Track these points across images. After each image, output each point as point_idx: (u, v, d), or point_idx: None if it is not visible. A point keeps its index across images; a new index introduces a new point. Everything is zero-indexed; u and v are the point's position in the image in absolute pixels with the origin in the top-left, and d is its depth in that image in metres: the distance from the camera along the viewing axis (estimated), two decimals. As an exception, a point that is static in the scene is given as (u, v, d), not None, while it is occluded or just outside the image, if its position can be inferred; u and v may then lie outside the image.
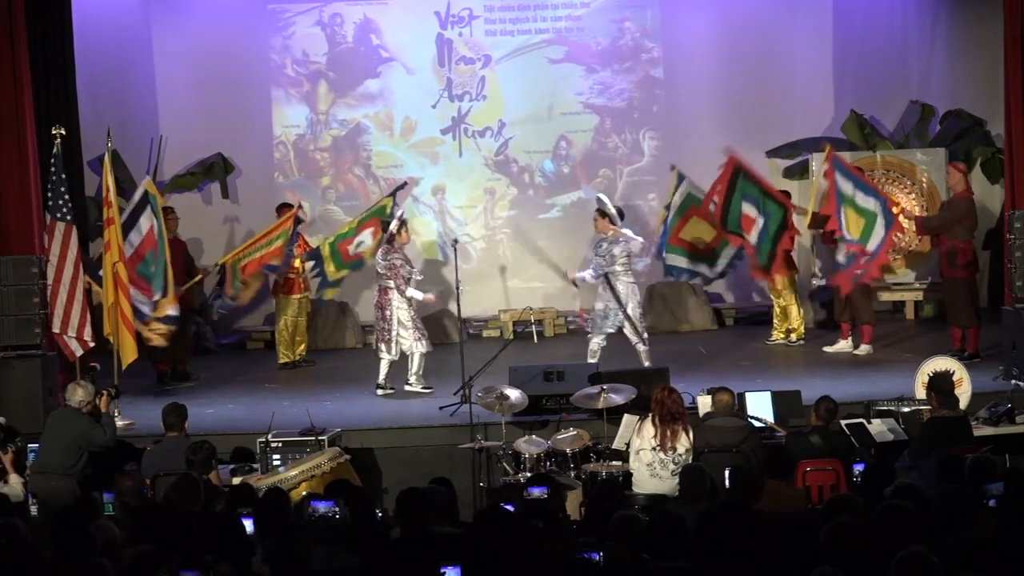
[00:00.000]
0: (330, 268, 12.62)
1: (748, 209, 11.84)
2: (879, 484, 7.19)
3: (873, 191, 11.93)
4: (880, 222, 11.62)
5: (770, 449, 8.43)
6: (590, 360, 11.44)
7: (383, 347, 11.72)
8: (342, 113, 15.74)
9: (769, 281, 13.05)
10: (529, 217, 15.76)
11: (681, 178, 12.66)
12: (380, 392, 11.74)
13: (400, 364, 11.82)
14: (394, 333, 11.66)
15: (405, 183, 13.63)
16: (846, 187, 11.70)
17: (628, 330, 11.58)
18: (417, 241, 14.90)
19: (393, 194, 12.89)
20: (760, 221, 11.78)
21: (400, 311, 11.67)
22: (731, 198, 11.95)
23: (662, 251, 12.49)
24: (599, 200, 11.97)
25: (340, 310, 14.99)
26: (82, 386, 9.33)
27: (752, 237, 11.81)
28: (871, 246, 11.56)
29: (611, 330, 11.63)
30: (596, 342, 11.66)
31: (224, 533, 6.33)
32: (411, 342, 11.68)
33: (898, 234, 12.70)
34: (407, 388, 11.72)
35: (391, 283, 11.67)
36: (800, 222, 12.76)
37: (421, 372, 11.76)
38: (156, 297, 11.18)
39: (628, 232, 11.79)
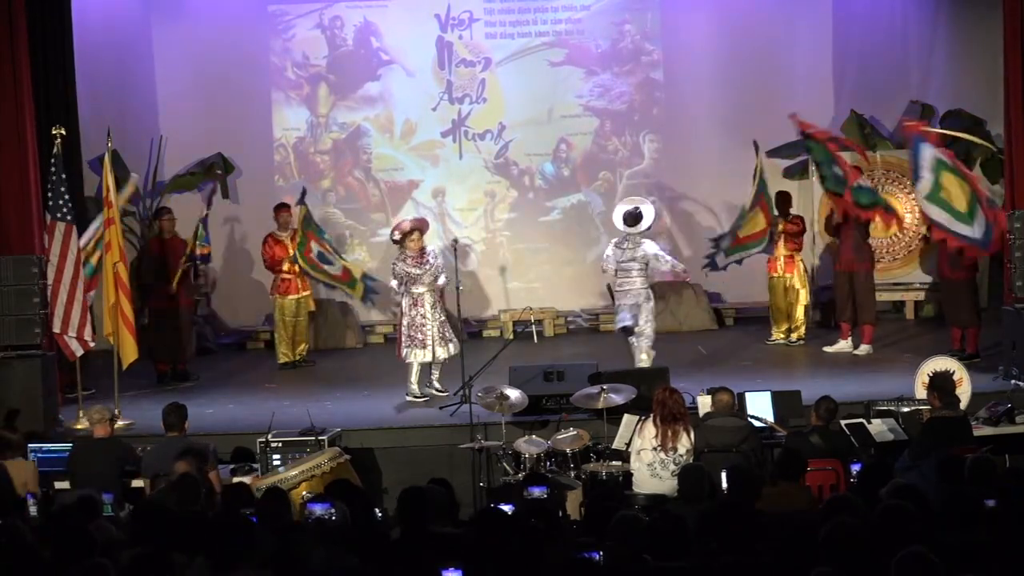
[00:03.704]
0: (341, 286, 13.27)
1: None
2: (877, 484, 7.19)
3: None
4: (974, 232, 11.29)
5: (783, 451, 8.41)
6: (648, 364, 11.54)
7: (417, 351, 11.50)
8: (342, 116, 15.73)
9: (787, 270, 13.30)
10: (529, 219, 15.76)
11: (756, 148, 12.99)
12: (410, 398, 11.49)
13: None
14: (430, 334, 11.52)
15: (304, 190, 13.71)
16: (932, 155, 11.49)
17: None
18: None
19: (301, 201, 13.24)
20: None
21: (431, 313, 11.56)
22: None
23: (722, 250, 12.91)
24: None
25: (340, 310, 15.00)
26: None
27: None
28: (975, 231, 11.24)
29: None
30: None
31: (223, 533, 6.32)
32: (444, 346, 11.59)
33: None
34: (433, 392, 11.61)
35: (422, 288, 11.56)
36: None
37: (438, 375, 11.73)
38: None
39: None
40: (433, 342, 11.50)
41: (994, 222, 11.17)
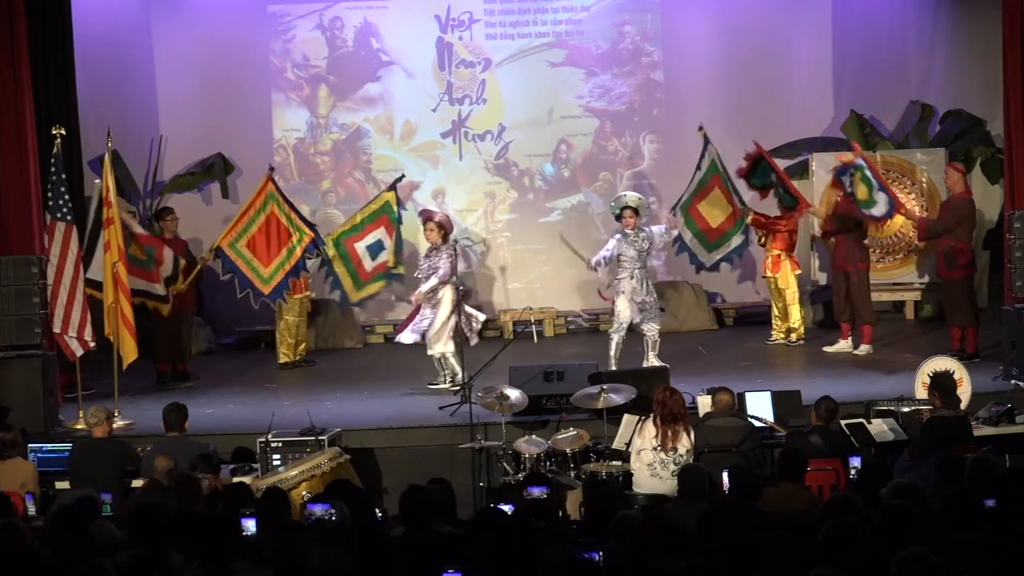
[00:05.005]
0: (347, 282, 12.55)
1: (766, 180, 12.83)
2: (877, 484, 7.18)
3: (886, 190, 12.45)
4: (879, 211, 12.31)
5: (785, 451, 8.42)
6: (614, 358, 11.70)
7: (452, 341, 11.69)
8: (342, 117, 15.74)
9: (774, 270, 13.33)
10: (529, 220, 15.75)
11: (707, 141, 12.81)
12: (455, 389, 11.56)
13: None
14: (473, 322, 11.74)
15: (403, 176, 13.66)
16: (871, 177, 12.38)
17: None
18: (420, 244, 14.90)
19: (393, 187, 12.92)
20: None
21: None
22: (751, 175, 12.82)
23: (676, 209, 12.85)
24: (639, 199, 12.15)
25: (340, 310, 14.99)
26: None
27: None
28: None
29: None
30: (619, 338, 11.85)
31: (222, 533, 6.31)
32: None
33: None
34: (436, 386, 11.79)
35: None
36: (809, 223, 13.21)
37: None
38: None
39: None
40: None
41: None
